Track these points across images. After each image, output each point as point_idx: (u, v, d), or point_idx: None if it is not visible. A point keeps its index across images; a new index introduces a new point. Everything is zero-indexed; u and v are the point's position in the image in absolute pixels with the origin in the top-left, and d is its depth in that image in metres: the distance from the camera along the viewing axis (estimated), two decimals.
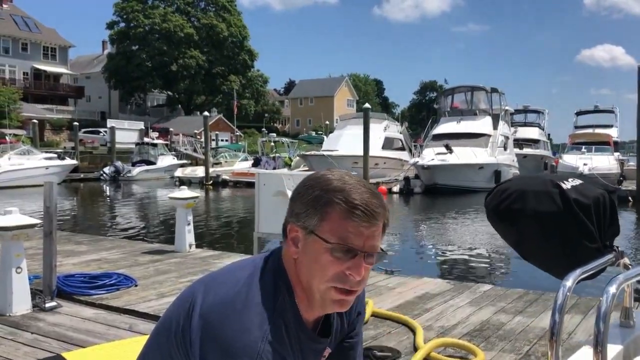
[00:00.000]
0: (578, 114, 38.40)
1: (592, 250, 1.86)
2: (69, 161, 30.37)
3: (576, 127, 36.84)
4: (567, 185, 1.94)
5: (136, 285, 5.36)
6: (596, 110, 38.07)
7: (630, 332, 1.96)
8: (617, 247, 1.93)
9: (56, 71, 56.86)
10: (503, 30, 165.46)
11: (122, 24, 58.62)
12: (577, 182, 1.99)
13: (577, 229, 1.87)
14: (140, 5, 57.80)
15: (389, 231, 1.19)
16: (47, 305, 4.57)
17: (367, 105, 26.70)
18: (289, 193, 6.00)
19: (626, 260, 1.93)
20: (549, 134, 42.51)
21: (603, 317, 1.45)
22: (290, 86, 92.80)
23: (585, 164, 24.48)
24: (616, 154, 28.35)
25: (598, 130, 32.82)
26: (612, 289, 1.49)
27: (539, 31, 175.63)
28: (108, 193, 27.59)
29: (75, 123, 40.63)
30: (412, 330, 4.07)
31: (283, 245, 1.20)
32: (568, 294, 1.54)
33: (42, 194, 4.85)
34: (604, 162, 25.42)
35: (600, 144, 28.36)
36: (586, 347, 1.79)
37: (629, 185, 23.46)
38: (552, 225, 1.89)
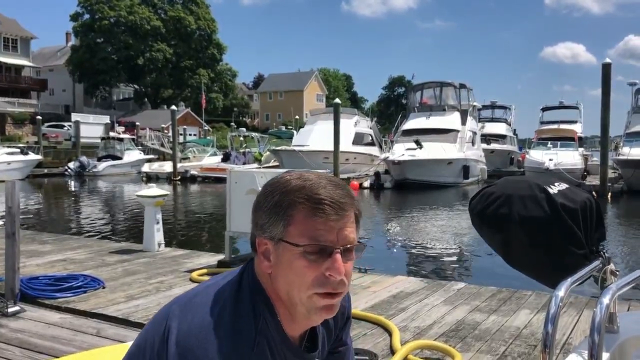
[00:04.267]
0: (543, 109, 38.93)
1: (579, 257, 1.82)
2: (32, 156, 29.58)
3: (542, 123, 37.36)
4: (553, 189, 1.89)
5: (104, 287, 5.20)
6: (561, 106, 38.66)
7: (616, 338, 1.94)
8: (604, 252, 1.90)
9: (17, 63, 55.20)
10: (469, 27, 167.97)
11: (87, 16, 57.32)
12: (564, 186, 1.95)
13: (564, 235, 1.83)
14: None
15: (361, 227, 1.13)
16: (10, 310, 4.39)
17: (337, 100, 26.65)
18: None
19: (612, 266, 1.90)
20: (514, 129, 43.15)
21: (598, 328, 1.41)
22: (259, 80, 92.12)
23: (550, 160, 24.94)
24: (580, 149, 28.93)
25: (563, 126, 33.36)
26: (606, 300, 1.45)
27: (503, 28, 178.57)
28: (73, 189, 26.94)
29: (39, 117, 39.68)
30: (388, 332, 4.03)
31: (255, 261, 1.13)
32: (560, 304, 1.49)
33: (4, 192, 4.66)
34: (569, 158, 25.93)
35: (566, 140, 28.91)
36: (574, 355, 1.76)
37: (593, 181, 23.98)
38: (539, 231, 1.84)
